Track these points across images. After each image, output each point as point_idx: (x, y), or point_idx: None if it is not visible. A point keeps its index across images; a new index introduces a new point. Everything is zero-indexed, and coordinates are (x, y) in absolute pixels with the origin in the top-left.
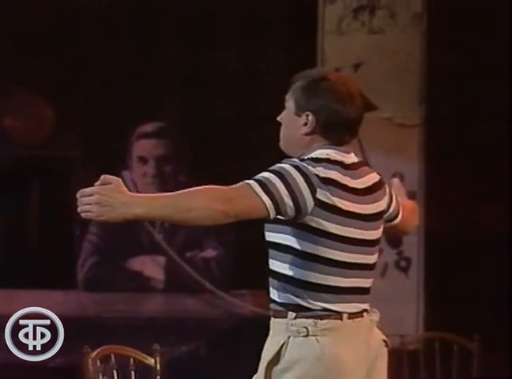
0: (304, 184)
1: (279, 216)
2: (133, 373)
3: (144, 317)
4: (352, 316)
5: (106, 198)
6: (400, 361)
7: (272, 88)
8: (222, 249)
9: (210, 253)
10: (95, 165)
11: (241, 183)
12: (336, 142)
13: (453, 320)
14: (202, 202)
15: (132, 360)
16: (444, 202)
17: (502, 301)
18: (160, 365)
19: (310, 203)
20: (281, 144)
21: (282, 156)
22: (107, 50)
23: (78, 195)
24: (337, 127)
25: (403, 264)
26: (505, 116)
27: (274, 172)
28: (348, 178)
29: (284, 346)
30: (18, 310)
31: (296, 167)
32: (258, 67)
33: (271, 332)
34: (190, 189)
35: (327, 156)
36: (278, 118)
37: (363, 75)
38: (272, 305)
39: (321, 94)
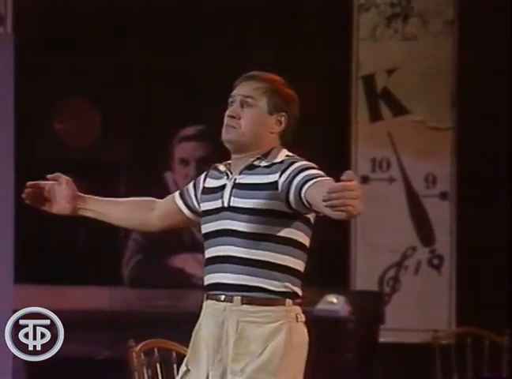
0: None
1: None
2: (175, 365)
3: (185, 312)
4: None
5: (360, 193)
6: (432, 355)
7: (309, 92)
8: None
9: None
10: (140, 166)
11: (324, 176)
12: (283, 144)
13: (485, 315)
14: None
15: (174, 353)
16: (475, 202)
17: None
18: None
19: None
20: (241, 139)
21: (324, 156)
22: (150, 56)
23: (341, 188)
24: (291, 130)
25: (436, 261)
26: None
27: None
28: None
29: (287, 332)
30: (68, 306)
31: None
32: (294, 72)
33: (261, 320)
34: (325, 181)
35: None
36: (232, 113)
37: (396, 80)
38: (261, 295)
39: (294, 98)
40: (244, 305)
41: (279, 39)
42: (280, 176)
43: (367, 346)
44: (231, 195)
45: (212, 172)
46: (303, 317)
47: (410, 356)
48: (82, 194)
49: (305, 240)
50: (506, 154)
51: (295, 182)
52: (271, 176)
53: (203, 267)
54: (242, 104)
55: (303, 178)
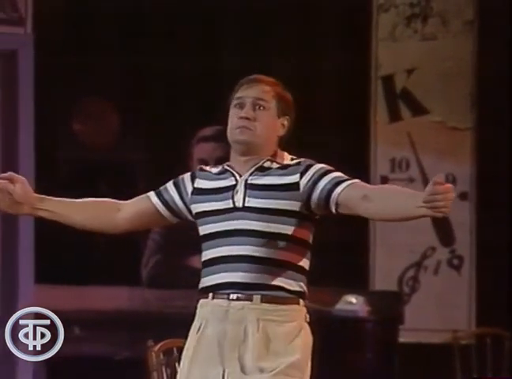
0: None
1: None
2: None
3: None
4: None
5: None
6: (452, 355)
7: (328, 92)
8: None
9: None
10: (158, 166)
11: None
12: (279, 146)
13: (504, 316)
14: None
15: None
16: (495, 203)
17: None
18: None
19: None
20: (256, 140)
21: (343, 156)
22: (169, 59)
23: (445, 190)
24: (289, 134)
25: (455, 262)
26: None
27: None
28: None
29: (303, 330)
30: (87, 306)
31: None
32: (314, 72)
33: (280, 318)
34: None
35: None
36: (246, 115)
37: (415, 80)
38: (280, 293)
39: (293, 102)
40: (264, 304)
41: (298, 40)
42: (301, 177)
43: (386, 346)
44: (245, 195)
45: (201, 173)
46: (308, 318)
47: (429, 356)
48: (37, 195)
49: (311, 240)
50: None
51: (321, 184)
52: (289, 177)
53: (204, 268)
54: (254, 107)
55: (331, 181)
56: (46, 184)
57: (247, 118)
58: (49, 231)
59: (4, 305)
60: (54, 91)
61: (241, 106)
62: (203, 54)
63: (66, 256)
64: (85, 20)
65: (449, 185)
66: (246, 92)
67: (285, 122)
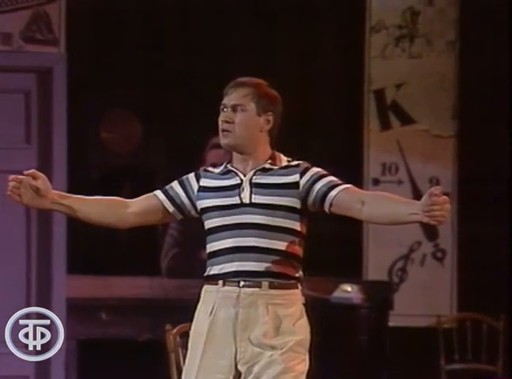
0: None
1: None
2: None
3: None
4: None
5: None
6: (436, 337)
7: (327, 104)
8: None
9: None
10: (176, 171)
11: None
12: (271, 139)
13: (483, 302)
14: None
15: None
16: (475, 202)
17: None
18: None
19: None
20: (237, 141)
21: (340, 161)
22: (185, 74)
23: (443, 202)
24: (278, 126)
25: (439, 254)
26: None
27: None
28: None
29: (304, 312)
30: (113, 294)
31: None
32: (315, 86)
33: (285, 302)
34: (352, 188)
35: None
36: (226, 119)
37: (404, 93)
38: (284, 280)
39: (278, 98)
40: (271, 290)
41: (301, 56)
42: (301, 177)
43: (378, 329)
44: (251, 193)
45: (205, 173)
46: (304, 300)
47: (416, 338)
48: (57, 191)
49: (305, 232)
50: (501, 158)
51: (318, 185)
52: (290, 177)
53: (211, 258)
54: (234, 110)
55: (327, 184)
56: (77, 186)
57: (227, 122)
58: (79, 229)
59: (40, 295)
60: (84, 103)
61: (224, 110)
62: (211, 68)
63: (94, 250)
64: (110, 41)
65: (446, 197)
66: (228, 99)
67: (270, 118)
